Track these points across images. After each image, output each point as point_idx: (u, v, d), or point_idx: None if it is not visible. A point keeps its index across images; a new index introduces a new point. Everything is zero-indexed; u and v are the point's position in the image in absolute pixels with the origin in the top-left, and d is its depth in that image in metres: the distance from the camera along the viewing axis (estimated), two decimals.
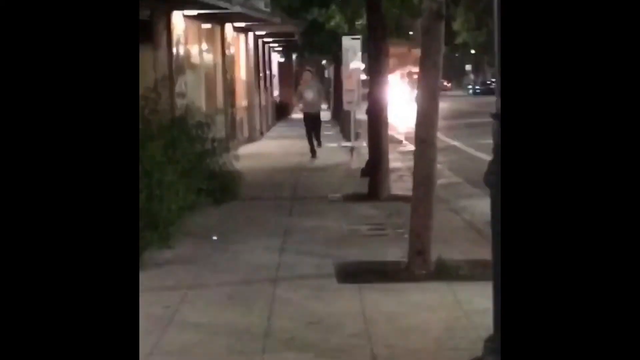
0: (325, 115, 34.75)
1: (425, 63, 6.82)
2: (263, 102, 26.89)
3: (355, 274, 7.03)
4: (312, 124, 18.12)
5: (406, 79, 56.21)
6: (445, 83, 63.82)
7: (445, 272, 6.75)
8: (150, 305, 6.21)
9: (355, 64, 15.19)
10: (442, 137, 21.98)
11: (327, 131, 25.51)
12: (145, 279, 6.99)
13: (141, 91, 10.11)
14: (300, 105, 19.17)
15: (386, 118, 11.58)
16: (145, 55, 12.36)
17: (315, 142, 18.18)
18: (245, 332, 5.55)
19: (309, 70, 19.62)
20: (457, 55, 70.59)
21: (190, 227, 9.28)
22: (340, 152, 17.78)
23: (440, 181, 12.81)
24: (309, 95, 18.05)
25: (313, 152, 17.74)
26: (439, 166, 14.65)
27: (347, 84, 15.26)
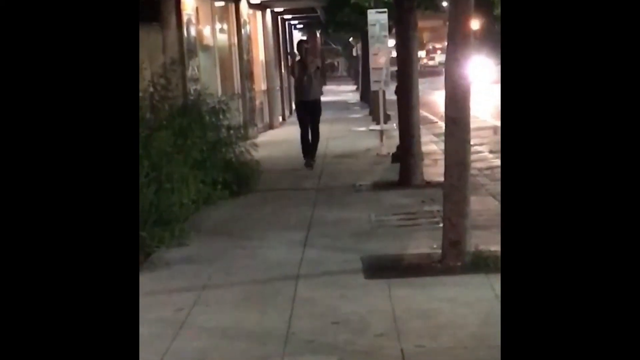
0: (353, 97, 34.82)
1: (453, 35, 6.77)
2: (285, 85, 26.89)
3: (384, 268, 7.00)
4: (308, 115, 14.00)
5: (431, 55, 56.33)
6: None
7: (483, 264, 6.71)
8: (162, 308, 6.26)
9: (383, 40, 15.09)
10: (482, 117, 21.89)
11: (355, 114, 25.61)
12: (157, 279, 7.11)
13: (149, 76, 10.23)
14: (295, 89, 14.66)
15: (417, 98, 11.52)
16: (153, 38, 12.41)
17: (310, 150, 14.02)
18: (264, 334, 5.56)
19: (303, 41, 15.25)
20: (497, 27, 70.22)
21: (204, 223, 9.28)
22: (369, 136, 17.64)
23: (479, 164, 12.80)
24: (303, 77, 13.92)
25: (308, 158, 13.86)
26: (479, 148, 14.64)
27: (374, 62, 15.12)
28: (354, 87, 42.58)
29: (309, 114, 14.03)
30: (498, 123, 20.83)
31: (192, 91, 11.89)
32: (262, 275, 7.10)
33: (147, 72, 10.41)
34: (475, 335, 5.28)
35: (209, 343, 5.47)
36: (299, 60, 14.31)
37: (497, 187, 10.83)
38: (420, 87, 11.72)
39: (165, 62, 10.94)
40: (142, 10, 11.73)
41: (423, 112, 12.32)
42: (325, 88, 45.96)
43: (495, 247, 6.91)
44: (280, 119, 24.68)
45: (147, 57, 11.11)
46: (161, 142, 8.73)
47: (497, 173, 12.35)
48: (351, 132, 19.34)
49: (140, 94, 9.76)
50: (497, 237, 7.14)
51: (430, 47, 64.93)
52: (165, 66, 10.62)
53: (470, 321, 5.54)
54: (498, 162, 13.74)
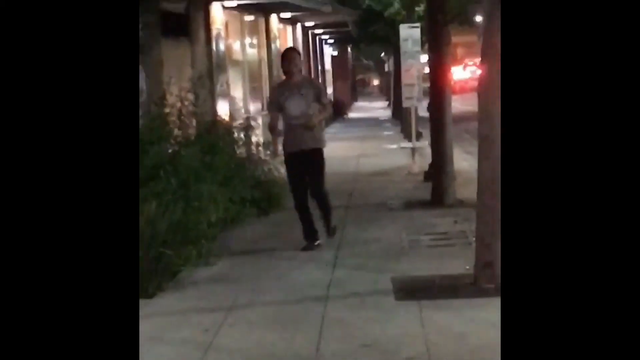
0: (385, 113, 34.61)
1: (486, 52, 6.75)
2: None
3: (416, 289, 6.93)
4: (304, 176, 8.98)
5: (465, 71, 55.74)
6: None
7: None
8: (188, 329, 6.28)
9: (415, 56, 15.12)
10: None
11: (386, 131, 25.49)
12: (182, 299, 7.14)
13: (177, 91, 10.33)
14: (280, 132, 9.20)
15: (450, 114, 11.49)
16: (182, 52, 12.50)
17: (322, 223, 9.24)
18: (292, 357, 5.54)
19: (289, 50, 9.59)
20: None
21: (232, 242, 9.28)
22: (401, 154, 17.47)
23: None
24: (295, 107, 8.79)
25: (310, 239, 8.97)
26: None
27: (405, 78, 15.17)
28: (385, 104, 42.52)
29: (301, 170, 8.92)
30: None
31: (220, 106, 11.96)
32: (290, 296, 7.08)
33: (175, 87, 10.50)
34: None
35: None
36: (282, 82, 9.12)
37: None
38: (452, 103, 11.68)
39: (194, 76, 10.96)
40: (171, 24, 11.92)
41: (456, 129, 12.19)
42: (357, 105, 45.61)
43: None
44: None
45: (176, 71, 11.21)
46: (190, 158, 8.75)
47: None
48: (383, 149, 19.34)
49: (168, 110, 9.91)
50: None
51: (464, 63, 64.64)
52: (194, 80, 10.63)
53: None
54: None
